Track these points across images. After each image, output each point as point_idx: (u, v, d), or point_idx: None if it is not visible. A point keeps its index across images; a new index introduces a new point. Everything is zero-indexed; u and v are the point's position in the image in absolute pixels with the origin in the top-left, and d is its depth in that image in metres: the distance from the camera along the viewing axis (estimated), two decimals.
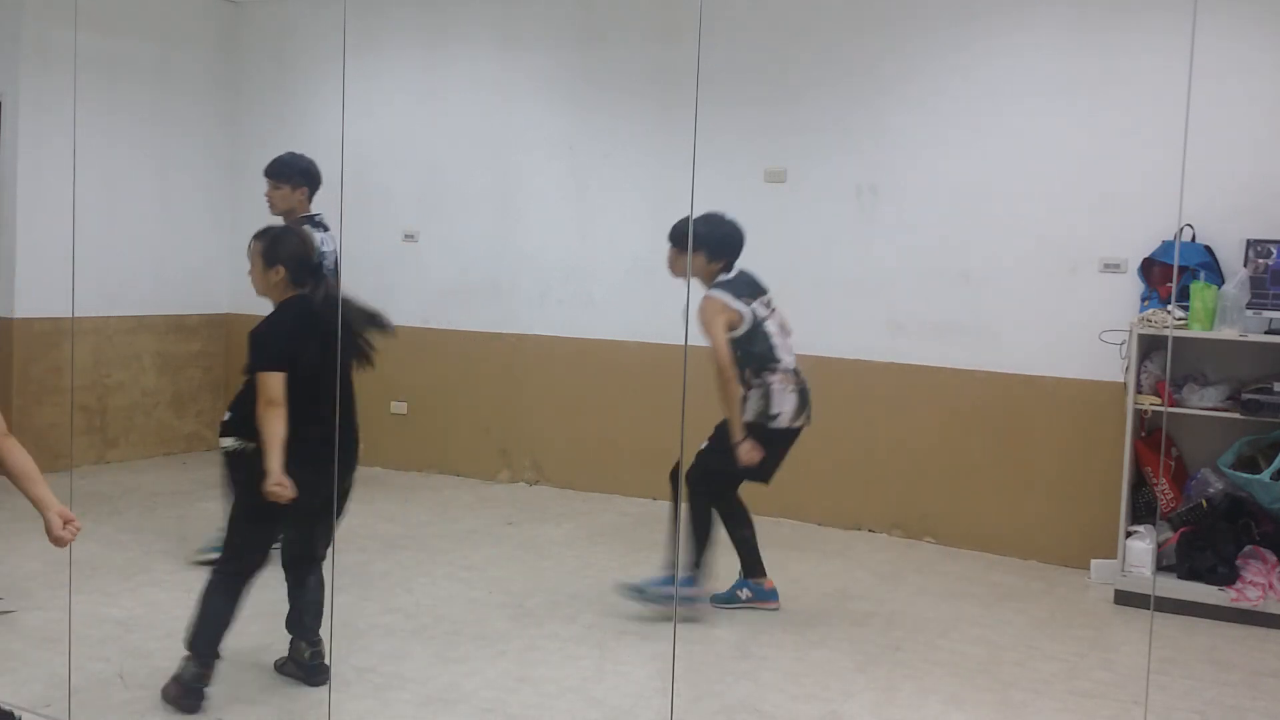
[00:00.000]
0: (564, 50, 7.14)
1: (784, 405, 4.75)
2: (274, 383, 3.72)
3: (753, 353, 4.75)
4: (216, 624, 3.78)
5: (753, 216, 6.44)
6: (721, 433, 4.75)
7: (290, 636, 4.07)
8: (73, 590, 4.58)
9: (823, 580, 5.38)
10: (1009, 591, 5.35)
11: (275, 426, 3.69)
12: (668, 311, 6.63)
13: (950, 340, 6.09)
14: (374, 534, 5.94)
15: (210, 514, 6.32)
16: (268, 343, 3.81)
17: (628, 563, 5.61)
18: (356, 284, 7.17)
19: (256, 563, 3.86)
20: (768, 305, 4.88)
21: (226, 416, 5.49)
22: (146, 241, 7.75)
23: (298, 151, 5.65)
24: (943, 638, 4.68)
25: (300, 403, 3.75)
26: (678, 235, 4.85)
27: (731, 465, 4.72)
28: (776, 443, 4.80)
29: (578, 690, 4.02)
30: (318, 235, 5.54)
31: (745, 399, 4.74)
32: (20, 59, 6.95)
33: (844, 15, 6.33)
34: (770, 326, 4.81)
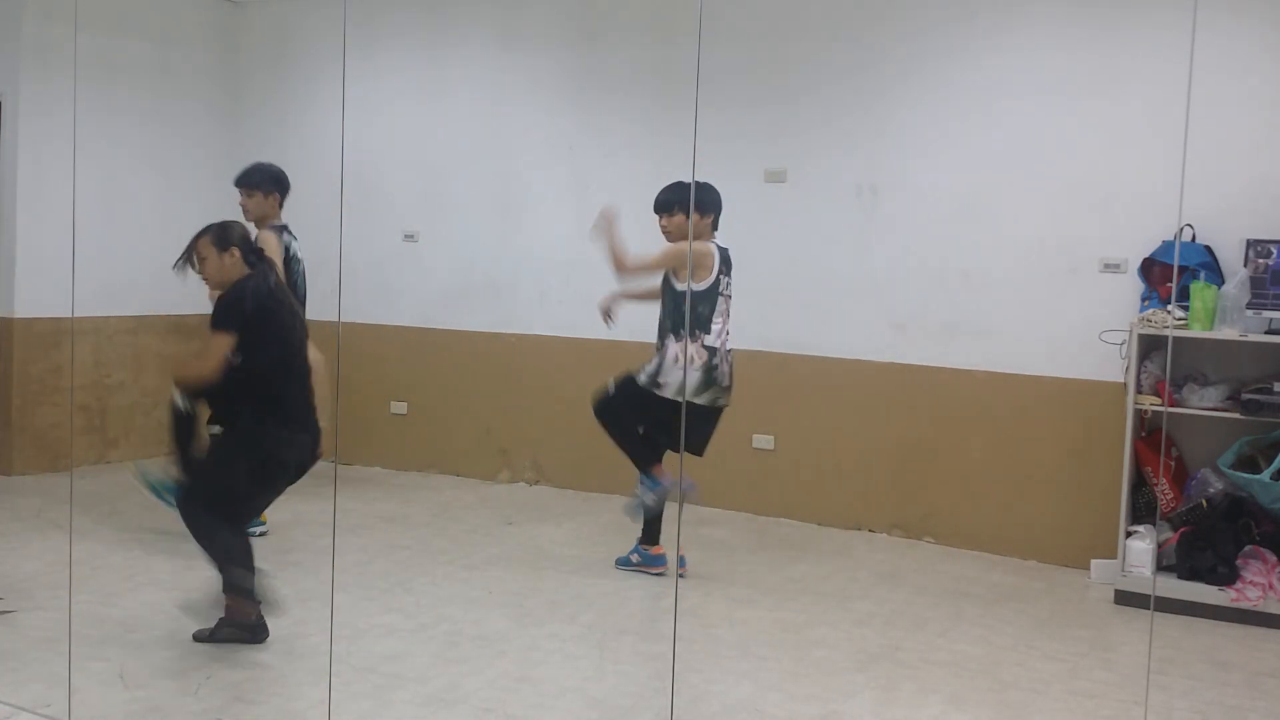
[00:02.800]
0: (564, 51, 7.14)
1: (670, 377, 5.16)
2: (221, 346, 4.13)
3: (691, 313, 5.17)
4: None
5: (753, 216, 6.46)
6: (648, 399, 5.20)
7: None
8: (73, 590, 4.58)
9: (823, 580, 5.38)
10: (1009, 591, 5.35)
11: (198, 375, 4.20)
12: None
13: (950, 340, 6.08)
14: (374, 534, 5.93)
15: None
16: (231, 307, 4.19)
17: None
18: (357, 284, 7.27)
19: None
20: (728, 285, 5.29)
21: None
22: (146, 241, 7.73)
23: (266, 162, 5.98)
24: (943, 638, 4.68)
25: (264, 383, 4.20)
26: (663, 203, 5.30)
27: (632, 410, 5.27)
28: (666, 410, 5.17)
29: (578, 690, 4.02)
30: (293, 244, 5.73)
31: (655, 359, 5.24)
32: (20, 59, 6.95)
33: (844, 15, 6.33)
34: (720, 304, 5.22)
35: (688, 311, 5.15)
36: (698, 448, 5.33)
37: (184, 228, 7.87)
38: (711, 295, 5.17)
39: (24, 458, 7.07)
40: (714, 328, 5.17)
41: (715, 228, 5.28)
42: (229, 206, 8.17)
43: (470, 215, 7.49)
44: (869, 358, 6.28)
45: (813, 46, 6.41)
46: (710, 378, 5.15)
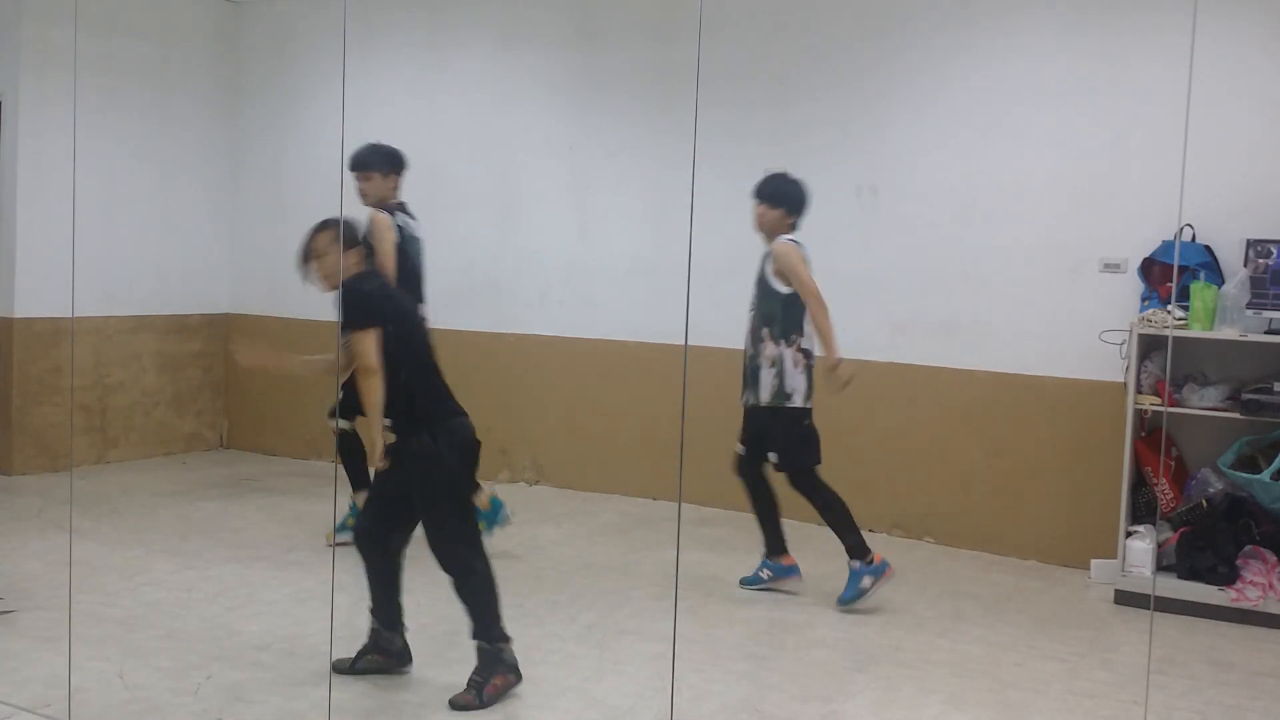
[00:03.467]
0: (564, 50, 7.13)
1: (796, 383, 5.00)
2: (371, 345, 3.80)
3: (787, 316, 5.02)
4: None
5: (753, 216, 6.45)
6: (789, 419, 5.03)
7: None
8: (73, 590, 4.58)
9: (823, 580, 5.38)
10: (1009, 591, 5.35)
11: (375, 396, 3.83)
12: (668, 311, 6.63)
13: (950, 340, 6.08)
14: None
15: (210, 514, 6.33)
16: (368, 299, 3.90)
17: (628, 562, 5.62)
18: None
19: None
20: None
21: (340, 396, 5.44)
22: (146, 241, 7.75)
23: (378, 142, 5.67)
24: (943, 638, 4.68)
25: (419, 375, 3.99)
26: (765, 191, 5.15)
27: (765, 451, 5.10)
28: (794, 420, 5.02)
29: (578, 690, 4.02)
30: (410, 224, 5.60)
31: (759, 374, 5.04)
32: (20, 59, 6.95)
33: (844, 16, 6.33)
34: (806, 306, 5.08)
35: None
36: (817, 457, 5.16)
37: (184, 228, 8.00)
38: (799, 298, 5.05)
39: (24, 458, 7.07)
40: (807, 330, 5.05)
41: (795, 227, 5.16)
42: (230, 206, 8.23)
43: (470, 215, 7.48)
44: (869, 358, 6.26)
45: (813, 47, 6.41)
46: (811, 379, 5.05)
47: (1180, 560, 5.11)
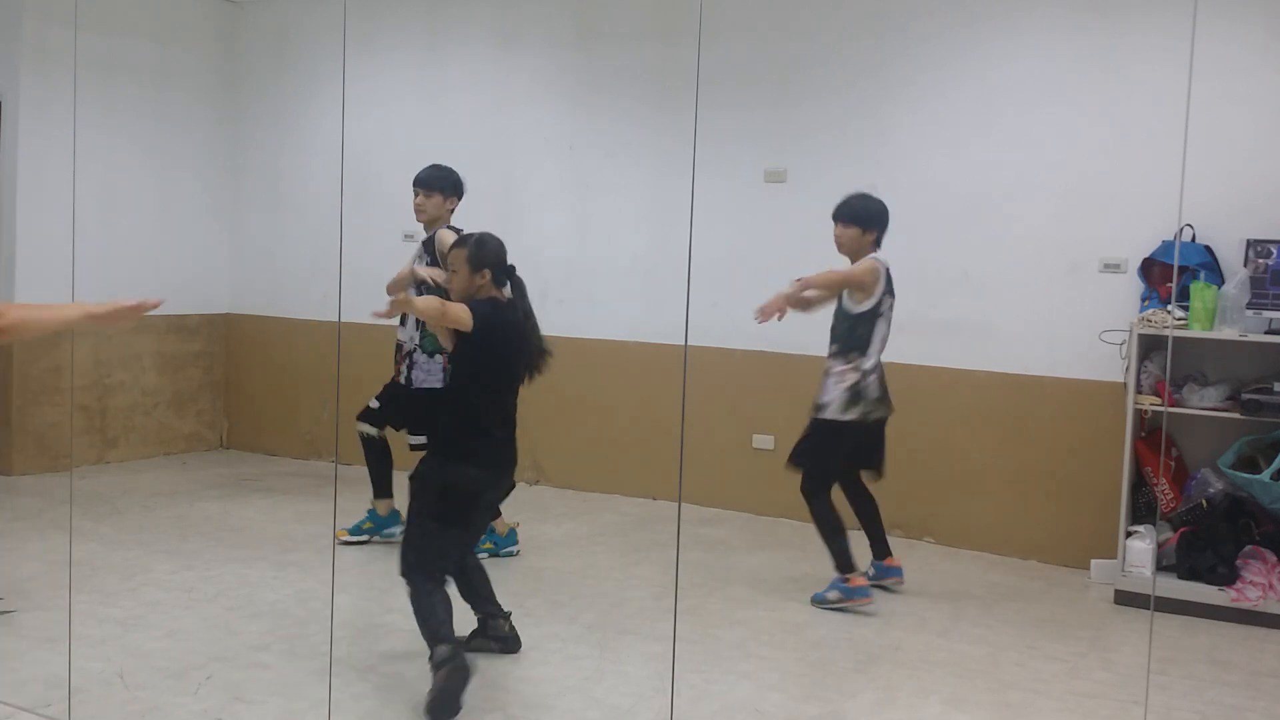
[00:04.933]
0: (564, 50, 7.13)
1: (832, 397, 4.97)
2: (464, 319, 3.87)
3: (851, 335, 4.99)
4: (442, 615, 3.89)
5: (753, 216, 6.47)
6: (819, 430, 5.02)
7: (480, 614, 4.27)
8: (73, 590, 4.58)
9: (823, 581, 5.37)
10: (1009, 591, 5.36)
11: (436, 313, 3.91)
12: (668, 311, 6.64)
13: (950, 340, 6.08)
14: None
15: (210, 514, 6.34)
16: (488, 316, 3.98)
17: (627, 562, 5.62)
18: (357, 284, 7.34)
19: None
20: (889, 305, 5.06)
21: (419, 440, 5.47)
22: (146, 241, 7.75)
23: (444, 165, 5.77)
24: (943, 638, 4.68)
25: (479, 408, 3.99)
26: (840, 211, 5.08)
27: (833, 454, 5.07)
28: (826, 433, 5.01)
29: (578, 690, 4.02)
30: None
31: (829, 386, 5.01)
32: (20, 59, 6.95)
33: (845, 16, 6.33)
34: (880, 326, 5.00)
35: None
36: (876, 465, 5.20)
37: (184, 228, 7.99)
38: (871, 317, 4.98)
39: (24, 458, 7.07)
40: (871, 349, 4.98)
41: (878, 244, 5.07)
42: (230, 206, 8.22)
43: (470, 215, 7.46)
44: None
45: (813, 47, 6.41)
46: (855, 394, 4.96)
47: (1180, 560, 5.11)
